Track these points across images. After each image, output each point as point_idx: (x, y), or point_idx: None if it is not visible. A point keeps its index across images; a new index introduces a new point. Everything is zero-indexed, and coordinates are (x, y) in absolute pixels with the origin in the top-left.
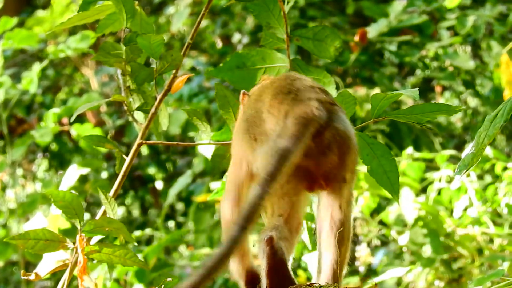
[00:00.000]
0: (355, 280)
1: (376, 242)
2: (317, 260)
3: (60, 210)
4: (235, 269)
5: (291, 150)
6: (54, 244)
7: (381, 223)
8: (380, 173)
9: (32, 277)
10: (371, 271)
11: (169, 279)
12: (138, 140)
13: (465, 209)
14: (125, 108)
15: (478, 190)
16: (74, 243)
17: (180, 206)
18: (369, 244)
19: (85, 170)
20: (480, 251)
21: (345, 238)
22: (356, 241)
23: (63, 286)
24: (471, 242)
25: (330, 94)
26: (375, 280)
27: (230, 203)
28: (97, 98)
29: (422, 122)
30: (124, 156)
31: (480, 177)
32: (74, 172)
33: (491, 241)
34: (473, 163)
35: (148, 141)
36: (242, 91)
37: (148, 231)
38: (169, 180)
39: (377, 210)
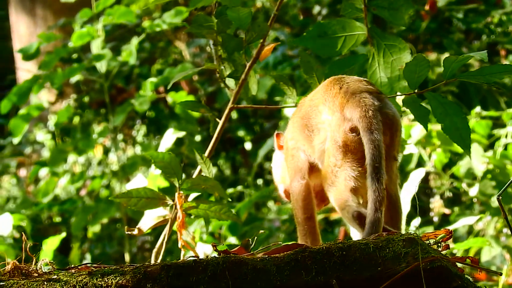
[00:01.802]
0: (429, 229)
1: (448, 194)
2: None
3: (160, 170)
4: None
5: (380, 139)
6: (154, 202)
7: (453, 176)
8: (453, 130)
9: (135, 232)
10: (444, 221)
11: (260, 231)
12: (229, 105)
13: None
14: (217, 75)
15: None
16: (173, 200)
17: (268, 165)
18: (442, 196)
19: (181, 134)
20: None
21: (399, 209)
22: (430, 194)
23: (164, 240)
24: None
25: (374, 85)
26: (449, 227)
27: (300, 181)
28: (190, 67)
29: (490, 82)
30: (217, 119)
31: None
32: (170, 136)
33: None
34: None
35: (239, 106)
36: (276, 133)
37: (239, 188)
38: (257, 141)
39: (449, 164)
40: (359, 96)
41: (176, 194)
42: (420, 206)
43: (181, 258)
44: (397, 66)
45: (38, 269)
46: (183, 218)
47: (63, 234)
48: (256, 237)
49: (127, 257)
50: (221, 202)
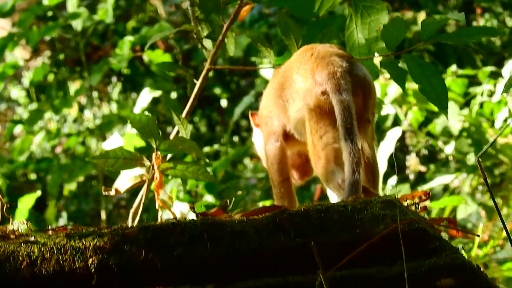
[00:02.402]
0: (405, 187)
1: (424, 152)
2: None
3: (137, 131)
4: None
5: (349, 99)
6: (132, 162)
7: (429, 134)
8: (430, 91)
9: (112, 192)
10: (420, 179)
11: (238, 192)
12: (207, 66)
13: (505, 120)
14: (195, 36)
15: None
16: (150, 161)
17: (244, 122)
18: (417, 154)
19: (157, 93)
20: None
21: (376, 172)
22: (406, 152)
23: (141, 201)
24: (511, 150)
25: (345, 50)
26: (425, 187)
27: (274, 144)
28: (167, 27)
29: (468, 43)
30: (194, 80)
31: None
32: (146, 95)
33: None
34: None
35: (216, 67)
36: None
37: (215, 147)
38: (233, 99)
39: (425, 122)
40: (328, 59)
41: (153, 155)
42: (396, 164)
43: (158, 218)
44: (375, 28)
45: (15, 230)
46: (160, 179)
47: (39, 193)
48: (233, 198)
49: (103, 215)
50: (198, 162)
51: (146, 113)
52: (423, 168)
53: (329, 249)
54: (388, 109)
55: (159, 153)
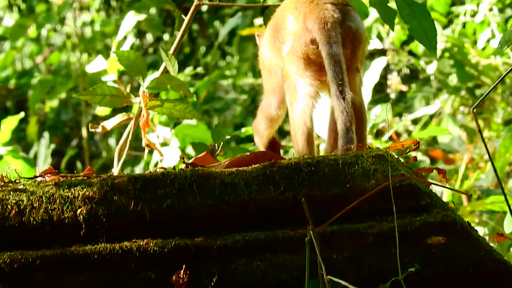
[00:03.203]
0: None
1: (406, 71)
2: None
3: (125, 68)
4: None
5: (340, 53)
6: (119, 99)
7: (411, 53)
8: (420, 32)
9: (99, 129)
10: (401, 97)
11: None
12: (195, 1)
13: (488, 41)
14: None
15: (500, 23)
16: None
17: (227, 49)
18: (399, 72)
19: (142, 17)
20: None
21: (364, 118)
22: (387, 70)
23: (128, 138)
24: (493, 71)
25: None
26: (409, 117)
27: (277, 103)
28: None
29: None
30: (182, 16)
31: (502, 11)
32: (131, 18)
33: None
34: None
35: (205, 3)
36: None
37: (199, 69)
38: (214, 11)
39: (407, 41)
40: (321, 7)
41: (141, 93)
42: (378, 82)
43: (145, 155)
44: None
45: (3, 176)
46: (147, 117)
47: (22, 114)
48: (222, 142)
49: (83, 132)
50: (185, 100)
51: (130, 36)
52: (404, 88)
53: (319, 203)
54: (375, 44)
55: (146, 91)
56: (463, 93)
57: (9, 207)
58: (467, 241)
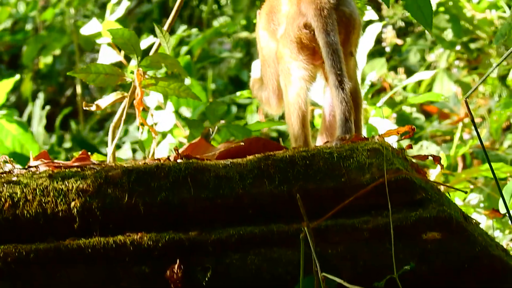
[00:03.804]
0: (381, 61)
1: (401, 24)
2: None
3: (119, 46)
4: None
5: (337, 41)
6: (113, 78)
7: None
8: (415, 8)
9: (93, 108)
10: (396, 51)
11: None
12: None
13: None
14: None
15: None
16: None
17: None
18: (394, 26)
19: None
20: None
21: (359, 102)
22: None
23: (122, 116)
24: (489, 25)
25: None
26: (404, 83)
27: (276, 101)
28: None
29: None
30: None
31: None
32: None
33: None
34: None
35: None
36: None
37: (193, 30)
38: None
39: None
40: None
41: (135, 71)
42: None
43: (139, 135)
44: None
45: None
46: (141, 96)
47: (17, 77)
48: (216, 127)
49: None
50: (180, 78)
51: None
52: (399, 41)
53: (313, 197)
54: (371, 15)
55: (141, 69)
56: (458, 47)
57: (2, 199)
58: (462, 236)
